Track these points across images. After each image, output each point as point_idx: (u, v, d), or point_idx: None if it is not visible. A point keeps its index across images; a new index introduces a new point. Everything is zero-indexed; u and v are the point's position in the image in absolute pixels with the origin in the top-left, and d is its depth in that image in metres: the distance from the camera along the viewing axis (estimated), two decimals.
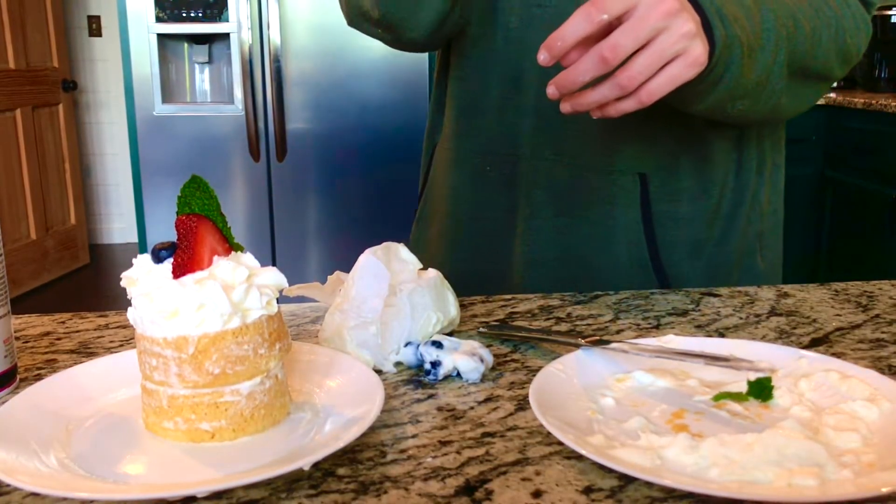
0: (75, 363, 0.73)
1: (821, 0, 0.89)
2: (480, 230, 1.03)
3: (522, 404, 0.64)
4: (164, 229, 3.09)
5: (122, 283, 0.59)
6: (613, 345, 0.69)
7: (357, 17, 0.98)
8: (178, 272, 0.57)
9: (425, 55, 2.97)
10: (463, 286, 0.86)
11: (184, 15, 2.95)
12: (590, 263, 0.98)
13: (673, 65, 0.71)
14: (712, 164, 0.98)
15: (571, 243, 0.98)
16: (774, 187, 1.08)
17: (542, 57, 0.71)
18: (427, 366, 0.69)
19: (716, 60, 0.76)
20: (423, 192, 1.13)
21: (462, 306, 0.85)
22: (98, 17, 5.14)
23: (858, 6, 0.94)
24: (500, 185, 1.00)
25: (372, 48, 2.96)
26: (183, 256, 0.57)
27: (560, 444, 0.56)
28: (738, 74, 0.80)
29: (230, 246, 0.60)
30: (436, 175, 1.09)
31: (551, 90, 0.74)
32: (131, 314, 0.58)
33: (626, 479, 0.52)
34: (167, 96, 3.06)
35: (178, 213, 0.59)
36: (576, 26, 0.69)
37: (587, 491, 0.51)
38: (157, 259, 0.58)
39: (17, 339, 0.81)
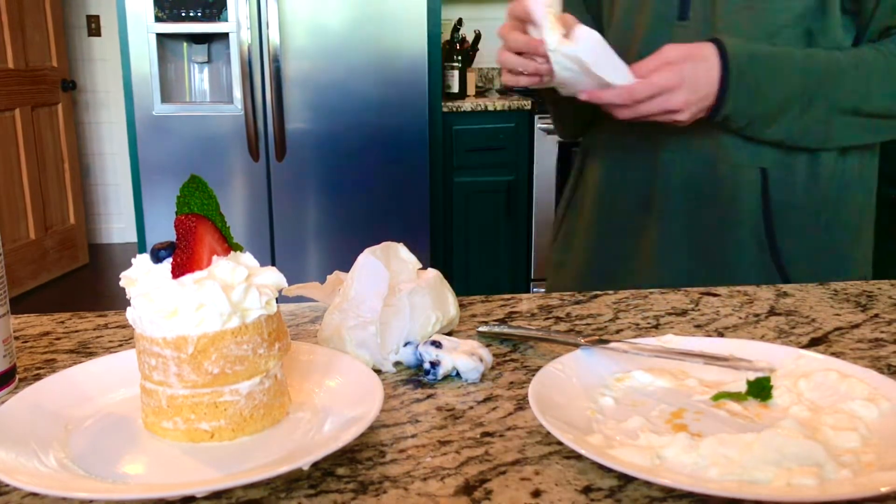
0: (74, 363, 0.73)
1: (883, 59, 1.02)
2: (621, 212, 1.15)
3: (522, 404, 0.64)
4: (163, 229, 3.08)
5: (122, 283, 0.59)
6: (613, 344, 0.69)
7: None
8: (177, 272, 0.57)
9: (424, 54, 2.97)
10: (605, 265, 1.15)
11: (183, 15, 2.95)
12: (716, 241, 1.09)
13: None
14: (820, 155, 1.08)
15: (700, 226, 1.09)
16: (869, 176, 1.18)
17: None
18: (426, 365, 0.69)
19: (722, 116, 1.01)
20: (576, 181, 1.25)
21: (461, 306, 0.85)
22: (97, 17, 5.13)
23: None
24: (639, 174, 1.13)
25: (371, 48, 2.97)
26: (182, 256, 0.57)
27: (559, 443, 0.56)
28: (754, 129, 1.03)
29: (229, 246, 0.60)
30: (587, 165, 1.22)
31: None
32: (130, 314, 0.58)
33: (626, 479, 0.52)
34: (166, 96, 3.06)
35: (177, 212, 0.59)
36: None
37: (586, 490, 0.51)
38: (157, 259, 0.58)
39: (17, 338, 0.81)
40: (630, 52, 1.06)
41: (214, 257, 0.58)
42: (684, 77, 0.96)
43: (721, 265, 1.08)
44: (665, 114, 0.98)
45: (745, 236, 1.07)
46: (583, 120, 1.22)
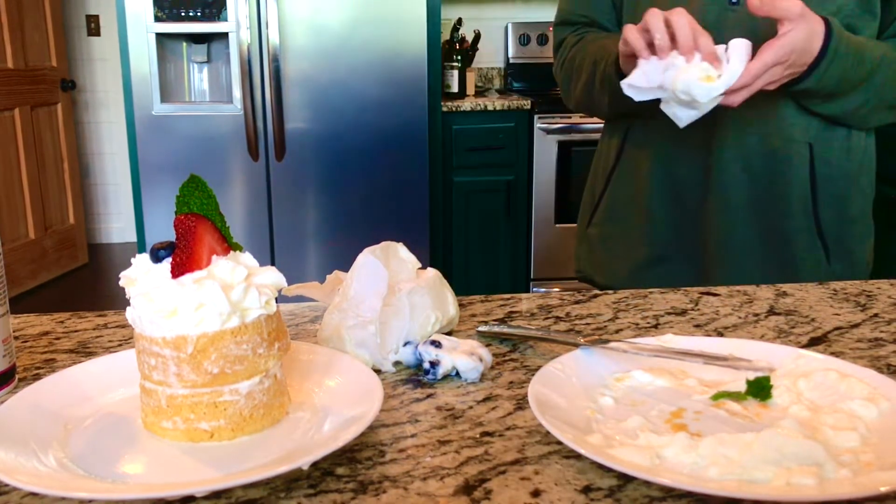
0: (74, 363, 0.73)
1: None
2: (678, 182, 1.20)
3: (521, 404, 0.64)
4: (162, 229, 3.08)
5: (121, 283, 0.59)
6: (612, 344, 0.69)
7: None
8: (176, 272, 0.57)
9: (424, 54, 2.97)
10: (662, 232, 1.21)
11: (182, 14, 2.95)
12: (771, 211, 1.16)
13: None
14: (852, 132, 1.18)
15: (754, 193, 1.15)
16: (873, 154, 1.29)
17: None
18: (426, 365, 0.69)
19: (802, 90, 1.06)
20: (616, 161, 1.27)
21: (461, 306, 0.85)
22: (97, 17, 5.13)
23: None
24: (696, 147, 1.16)
25: (371, 48, 2.96)
26: (181, 256, 0.57)
27: (559, 443, 0.56)
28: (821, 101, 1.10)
29: (229, 245, 0.60)
30: (631, 147, 1.25)
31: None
32: (130, 314, 0.58)
33: (625, 479, 0.52)
34: (166, 96, 3.05)
35: (176, 212, 0.59)
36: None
37: (586, 490, 0.51)
38: (156, 259, 0.58)
39: (16, 338, 0.81)
40: None
41: (214, 257, 0.58)
42: (794, 48, 0.98)
43: (773, 231, 1.16)
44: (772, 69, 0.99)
45: (796, 206, 1.15)
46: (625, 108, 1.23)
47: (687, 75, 0.96)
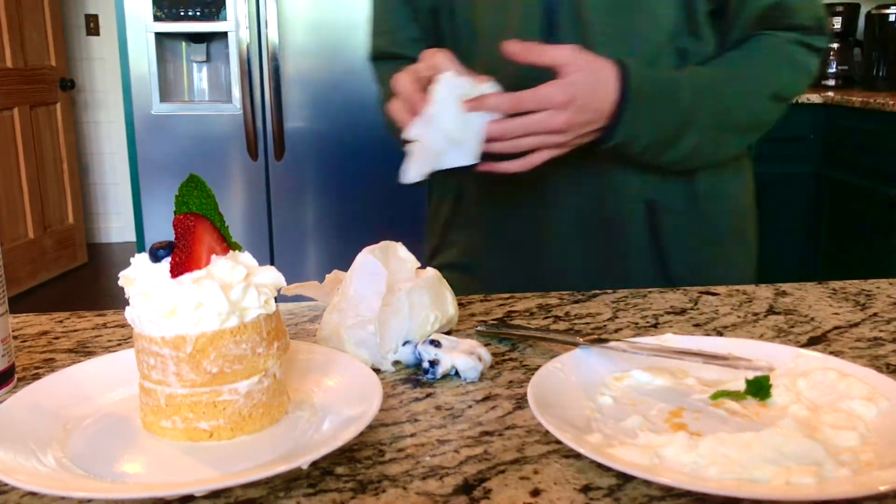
0: (73, 362, 0.73)
1: (764, 61, 1.04)
2: (511, 235, 1.10)
3: (521, 403, 0.64)
4: (162, 228, 3.08)
5: (120, 283, 0.59)
6: (612, 343, 0.69)
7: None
8: (175, 271, 0.57)
9: None
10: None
11: (182, 14, 2.95)
12: (609, 268, 1.06)
13: (537, 145, 0.91)
14: (697, 176, 1.07)
15: (592, 255, 1.06)
16: (745, 179, 1.17)
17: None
18: (425, 365, 0.69)
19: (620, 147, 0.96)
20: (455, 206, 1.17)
21: (460, 305, 0.85)
22: (96, 16, 5.13)
23: (801, 52, 1.06)
24: (529, 203, 1.07)
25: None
26: (181, 255, 0.57)
27: (558, 442, 0.56)
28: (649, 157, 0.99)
29: (228, 245, 0.60)
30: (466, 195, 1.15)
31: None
32: (129, 313, 0.58)
33: (625, 478, 0.52)
34: (165, 95, 3.05)
35: (175, 212, 0.59)
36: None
37: (585, 489, 0.51)
38: (155, 258, 0.58)
39: (15, 338, 0.81)
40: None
41: (213, 256, 0.58)
42: (575, 94, 0.88)
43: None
44: (544, 134, 0.89)
45: (637, 263, 1.06)
46: None
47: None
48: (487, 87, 0.89)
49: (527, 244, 1.09)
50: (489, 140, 0.89)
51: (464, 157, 0.89)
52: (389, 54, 1.18)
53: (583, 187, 1.04)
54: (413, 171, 0.92)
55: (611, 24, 0.99)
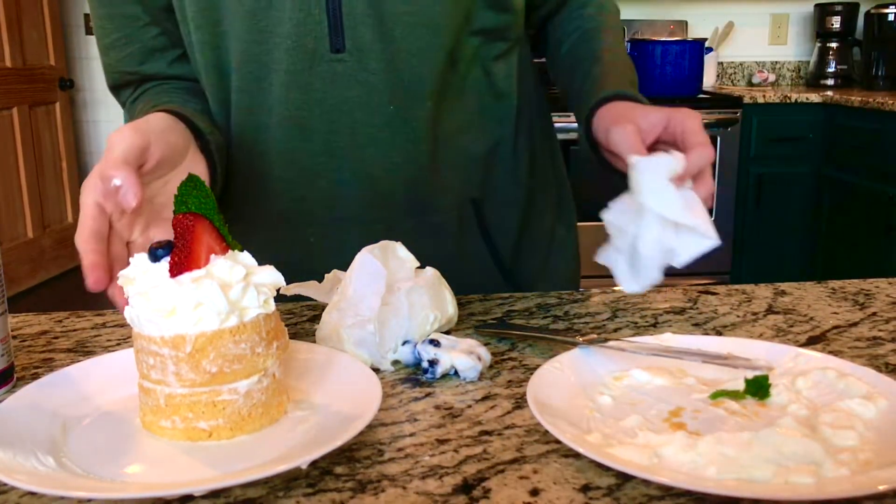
0: (72, 362, 0.73)
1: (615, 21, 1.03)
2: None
3: (520, 402, 0.64)
4: None
5: (120, 282, 0.59)
6: (611, 343, 0.69)
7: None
8: (175, 271, 0.57)
9: None
10: None
11: None
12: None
13: None
14: (521, 161, 1.02)
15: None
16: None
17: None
18: (425, 364, 0.69)
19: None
20: None
21: (459, 304, 0.85)
22: None
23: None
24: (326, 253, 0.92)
25: None
26: (180, 255, 0.57)
27: (558, 442, 0.56)
28: None
29: (227, 245, 0.60)
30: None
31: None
32: (128, 313, 0.58)
33: (624, 478, 0.52)
34: None
35: (174, 212, 0.59)
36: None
37: (585, 489, 0.51)
38: (154, 258, 0.58)
39: (14, 337, 0.81)
40: (269, 105, 0.87)
41: (212, 256, 0.58)
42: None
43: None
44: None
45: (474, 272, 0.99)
46: None
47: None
48: (676, 154, 0.75)
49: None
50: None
51: (703, 241, 0.73)
52: (130, 77, 0.94)
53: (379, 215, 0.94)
54: (641, 284, 0.77)
55: (409, 11, 0.85)
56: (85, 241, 0.63)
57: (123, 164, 0.67)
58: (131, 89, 0.95)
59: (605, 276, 0.80)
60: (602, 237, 0.81)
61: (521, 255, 1.04)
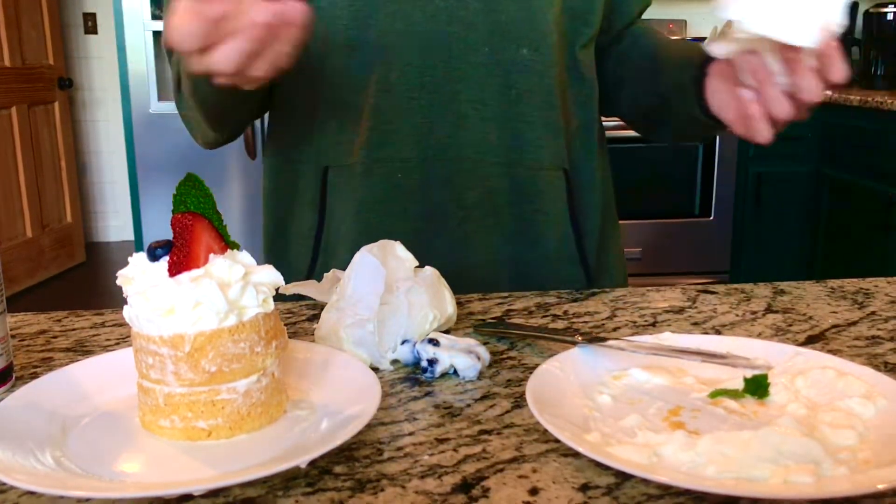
0: (71, 361, 0.72)
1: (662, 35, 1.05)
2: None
3: (519, 402, 0.64)
4: (160, 227, 3.08)
5: (118, 282, 0.59)
6: (610, 342, 0.69)
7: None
8: (173, 270, 0.57)
9: None
10: None
11: None
12: (522, 261, 0.98)
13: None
14: (605, 156, 1.06)
15: (500, 243, 0.97)
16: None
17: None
18: (424, 363, 0.69)
19: None
20: (322, 221, 0.99)
21: (459, 304, 0.85)
22: (94, 15, 5.12)
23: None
24: (414, 192, 0.94)
25: None
26: (179, 254, 0.57)
27: (557, 441, 0.56)
28: None
29: (226, 244, 0.60)
30: (334, 198, 0.98)
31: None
32: (127, 312, 0.58)
33: (623, 477, 0.52)
34: (163, 94, 3.05)
35: (173, 211, 0.59)
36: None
37: (584, 488, 0.51)
38: (153, 257, 0.58)
39: (13, 337, 0.80)
40: (371, 39, 0.90)
41: (211, 255, 0.58)
42: None
43: (529, 265, 0.98)
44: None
45: (555, 243, 0.99)
46: (248, 115, 0.98)
47: None
48: None
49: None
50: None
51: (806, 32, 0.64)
52: None
53: (490, 158, 0.94)
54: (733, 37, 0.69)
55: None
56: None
57: None
58: None
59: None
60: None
61: (602, 243, 1.05)
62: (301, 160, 0.97)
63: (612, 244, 1.09)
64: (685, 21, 3.96)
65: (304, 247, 1.00)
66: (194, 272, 0.57)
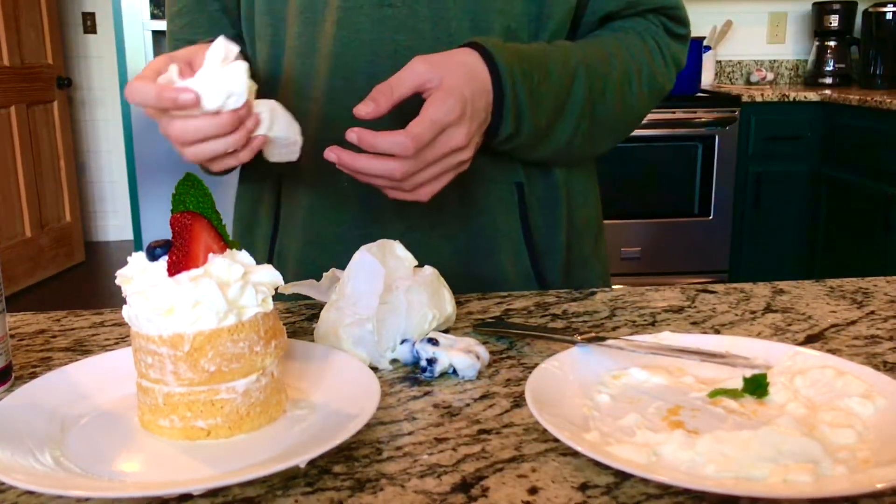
0: (70, 361, 0.72)
1: (634, 45, 0.96)
2: (344, 252, 0.83)
3: (518, 401, 0.64)
4: (159, 226, 3.08)
5: (118, 281, 0.59)
6: (609, 341, 0.69)
7: None
8: (173, 270, 0.57)
9: None
10: None
11: None
12: (473, 275, 0.95)
13: (445, 176, 0.81)
14: (553, 171, 0.99)
15: (451, 257, 0.94)
16: (593, 185, 1.08)
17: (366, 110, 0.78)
18: (423, 363, 0.69)
19: (503, 143, 0.87)
20: (276, 230, 1.00)
21: (458, 303, 0.85)
22: (93, 14, 5.12)
23: (669, 43, 0.99)
24: (362, 202, 0.93)
25: None
26: (178, 254, 0.57)
27: (556, 440, 0.56)
28: (529, 148, 0.90)
29: (225, 243, 0.60)
30: (286, 207, 0.99)
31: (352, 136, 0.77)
32: (126, 312, 0.58)
33: (622, 476, 0.52)
34: None
35: (172, 210, 0.59)
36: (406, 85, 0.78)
37: (583, 488, 0.51)
38: (153, 257, 0.58)
39: (12, 337, 0.80)
40: (319, 47, 0.90)
41: (210, 255, 0.58)
42: (461, 99, 0.77)
43: (487, 285, 0.95)
44: (451, 155, 0.79)
45: (507, 257, 0.96)
46: None
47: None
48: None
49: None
50: (389, 187, 0.79)
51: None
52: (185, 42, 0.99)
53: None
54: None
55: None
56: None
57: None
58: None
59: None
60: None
61: (571, 261, 1.01)
62: (259, 167, 0.90)
63: (592, 263, 1.04)
64: None
65: (262, 256, 1.01)
66: (193, 272, 0.57)
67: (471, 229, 0.94)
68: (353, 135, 0.77)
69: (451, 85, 0.78)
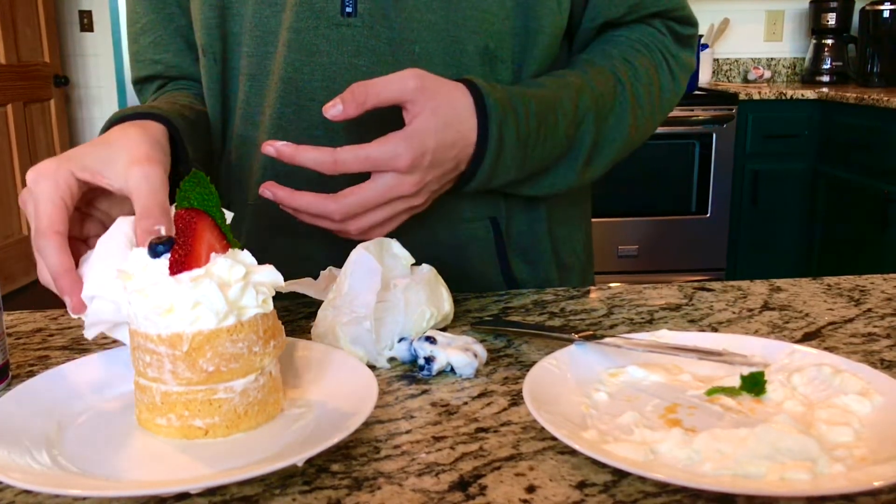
0: (67, 360, 0.72)
1: (642, 66, 0.90)
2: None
3: (516, 399, 0.64)
4: None
5: (117, 279, 0.59)
6: (607, 340, 0.69)
7: None
8: (175, 269, 0.56)
9: None
10: None
11: None
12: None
13: (395, 220, 0.78)
14: (570, 198, 0.96)
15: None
16: (586, 209, 1.05)
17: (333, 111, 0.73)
18: (421, 361, 0.69)
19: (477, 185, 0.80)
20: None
21: (456, 302, 0.85)
22: (89, 12, 5.11)
23: (677, 53, 0.94)
24: (329, 246, 0.85)
25: None
26: (180, 253, 0.57)
27: (554, 439, 0.56)
28: (517, 185, 0.85)
29: (228, 243, 0.59)
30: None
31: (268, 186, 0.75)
32: (126, 311, 0.58)
33: (620, 474, 0.52)
34: None
35: (176, 206, 0.59)
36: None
37: (581, 486, 0.51)
38: (154, 253, 0.57)
39: (9, 335, 0.80)
40: (271, 70, 0.84)
41: (213, 254, 0.58)
42: (425, 147, 0.73)
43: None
44: (397, 201, 0.75)
45: (487, 281, 0.92)
46: None
47: None
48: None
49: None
50: (334, 229, 0.76)
51: None
52: (155, 67, 0.94)
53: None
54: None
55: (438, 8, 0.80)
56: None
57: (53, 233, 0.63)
58: (154, 87, 0.95)
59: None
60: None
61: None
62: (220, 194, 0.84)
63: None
64: None
65: None
66: (195, 272, 0.56)
67: (445, 262, 0.85)
68: (270, 148, 0.72)
69: (417, 129, 0.72)
